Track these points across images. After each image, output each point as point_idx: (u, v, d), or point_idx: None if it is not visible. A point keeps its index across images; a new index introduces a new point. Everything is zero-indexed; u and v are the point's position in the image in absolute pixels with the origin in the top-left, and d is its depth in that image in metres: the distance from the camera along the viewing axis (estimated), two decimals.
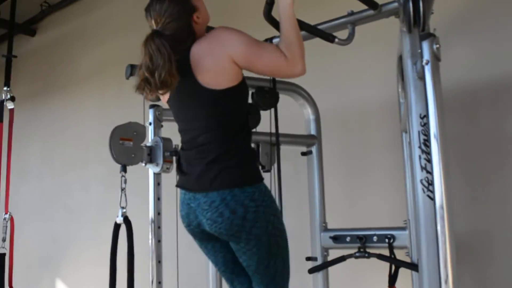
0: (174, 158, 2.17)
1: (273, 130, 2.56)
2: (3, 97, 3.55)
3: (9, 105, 3.57)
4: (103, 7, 4.58)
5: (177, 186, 1.80)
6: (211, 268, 2.25)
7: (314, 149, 2.55)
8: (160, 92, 1.67)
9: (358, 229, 2.31)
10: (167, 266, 2.25)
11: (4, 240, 3.34)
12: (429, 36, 1.47)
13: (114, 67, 4.25)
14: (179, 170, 1.81)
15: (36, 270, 4.85)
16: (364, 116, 2.76)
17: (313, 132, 2.57)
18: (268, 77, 2.49)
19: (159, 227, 2.19)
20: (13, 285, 5.18)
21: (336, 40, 1.70)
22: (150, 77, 1.60)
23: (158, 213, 2.19)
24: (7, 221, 3.43)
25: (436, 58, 1.48)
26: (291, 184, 2.76)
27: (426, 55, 1.46)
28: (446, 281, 1.49)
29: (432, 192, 1.63)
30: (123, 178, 2.11)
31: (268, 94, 2.50)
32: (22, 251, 5.10)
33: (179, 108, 1.80)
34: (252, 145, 2.45)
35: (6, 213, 3.50)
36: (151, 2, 1.72)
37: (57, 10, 5.00)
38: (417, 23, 1.47)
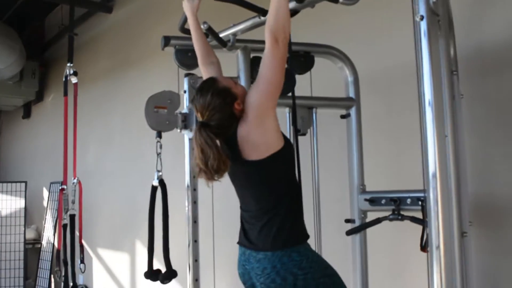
0: None
1: (310, 94, 2.58)
2: (67, 73, 3.82)
3: (73, 80, 3.84)
4: None
5: (237, 243, 1.96)
6: None
7: (352, 111, 2.53)
8: (217, 178, 1.80)
9: (393, 191, 2.29)
10: (202, 228, 2.38)
11: (73, 202, 3.67)
12: None
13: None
14: (242, 227, 1.95)
15: (119, 231, 5.24)
16: (404, 78, 2.68)
17: (351, 94, 2.55)
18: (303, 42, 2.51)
19: (194, 189, 2.31)
20: (100, 244, 5.67)
21: (341, 0, 1.68)
22: (204, 168, 1.76)
23: (193, 176, 2.31)
24: (75, 185, 3.75)
25: (433, 12, 1.42)
26: (332, 147, 2.77)
27: (421, 11, 1.41)
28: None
29: None
30: (158, 143, 2.25)
31: (303, 58, 2.52)
32: (107, 214, 5.56)
33: (235, 181, 1.95)
34: (286, 109, 2.50)
35: (74, 178, 3.82)
36: (196, 95, 1.85)
37: None
38: None
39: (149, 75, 5.01)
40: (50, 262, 6.28)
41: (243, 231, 1.93)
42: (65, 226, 3.67)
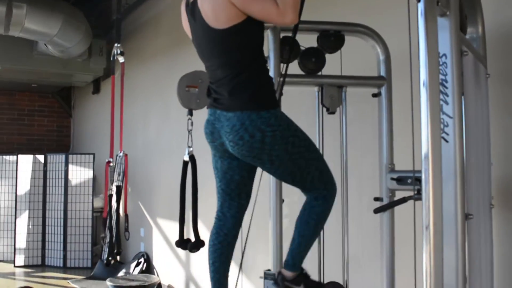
0: None
1: (340, 73, 2.60)
2: (114, 52, 4.01)
3: (120, 59, 4.03)
4: None
5: (207, 107, 2.04)
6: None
7: (383, 90, 2.53)
8: None
9: (419, 171, 2.29)
10: None
11: (119, 174, 3.90)
12: None
13: None
14: (208, 96, 2.03)
15: (176, 201, 5.48)
16: None
17: (382, 73, 2.54)
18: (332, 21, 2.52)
19: None
20: (159, 213, 5.95)
21: None
22: None
23: None
24: (121, 158, 3.97)
25: None
26: (363, 126, 2.78)
27: None
28: None
29: (448, 134, 1.62)
30: (189, 121, 2.37)
31: (333, 37, 2.53)
32: (164, 185, 5.82)
33: (199, 48, 2.03)
34: (315, 88, 2.54)
35: (120, 152, 4.04)
36: None
37: None
38: None
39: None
40: (116, 230, 6.70)
41: (212, 99, 1.98)
42: (110, 196, 3.92)
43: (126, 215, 4.01)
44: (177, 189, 5.55)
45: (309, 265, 2.51)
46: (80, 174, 7.13)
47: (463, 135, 1.62)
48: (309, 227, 2.02)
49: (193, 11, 1.92)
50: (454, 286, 1.49)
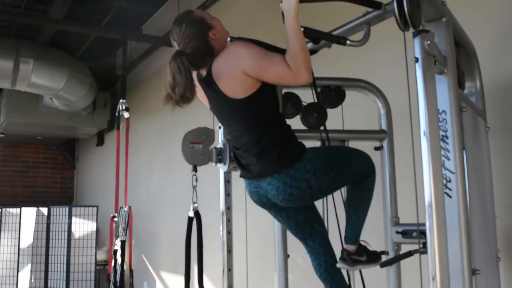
0: None
1: (342, 127, 2.64)
2: (119, 108, 4.08)
3: (125, 115, 4.09)
4: (229, 13, 4.97)
5: (240, 176, 2.06)
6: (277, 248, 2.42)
7: (385, 143, 2.56)
8: (181, 105, 1.89)
9: (424, 224, 2.29)
10: (236, 256, 2.49)
11: (124, 229, 3.90)
12: (419, 33, 1.47)
13: None
14: (238, 164, 2.05)
15: (181, 254, 5.44)
16: None
17: (384, 127, 2.58)
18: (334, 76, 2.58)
19: (229, 220, 2.42)
20: (162, 267, 5.89)
21: (348, 42, 1.75)
22: (172, 93, 1.86)
23: (228, 207, 2.43)
24: (126, 213, 3.98)
25: (428, 54, 1.47)
26: None
27: (416, 53, 1.46)
28: None
29: (451, 190, 1.63)
30: (194, 177, 2.39)
31: (334, 93, 2.58)
32: (168, 238, 5.79)
33: (219, 115, 2.06)
34: (318, 143, 2.57)
35: (125, 206, 4.05)
36: (173, 27, 1.95)
37: None
38: (407, 22, 1.47)
39: (188, 112, 5.24)
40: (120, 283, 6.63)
41: (241, 167, 2.00)
42: (115, 251, 3.90)
43: (131, 270, 3.98)
44: (181, 241, 5.52)
45: None
46: (83, 226, 7.09)
47: (466, 190, 1.63)
48: (363, 200, 2.13)
49: (209, 84, 1.92)
50: None
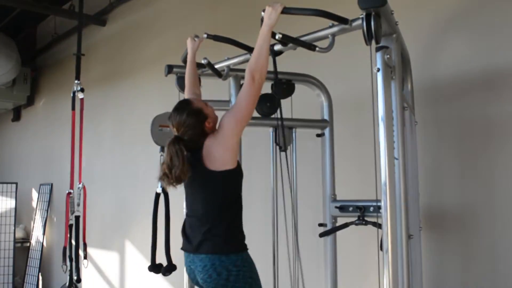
0: None
1: (290, 116, 2.99)
2: (75, 89, 4.17)
3: (80, 95, 4.20)
4: (162, 1, 5.12)
5: (181, 249, 2.30)
6: None
7: (326, 131, 2.95)
8: (175, 185, 2.18)
9: (359, 200, 2.71)
10: None
11: (78, 205, 4.04)
12: (381, 48, 1.84)
13: (171, 55, 4.79)
14: (184, 234, 2.30)
15: (109, 231, 5.58)
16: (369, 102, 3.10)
17: (325, 117, 2.97)
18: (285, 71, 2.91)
19: None
20: (91, 243, 5.98)
21: (317, 49, 2.10)
22: (168, 173, 2.14)
23: None
24: (80, 190, 4.11)
25: (387, 66, 1.85)
26: (309, 162, 3.18)
27: (378, 64, 1.84)
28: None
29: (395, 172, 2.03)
30: (161, 156, 2.63)
31: (286, 85, 2.93)
32: (97, 215, 5.88)
33: (190, 187, 2.30)
34: (270, 129, 2.91)
35: (80, 183, 4.18)
36: (173, 113, 2.25)
37: (124, 2, 5.60)
38: (372, 37, 1.83)
39: (139, 86, 5.38)
40: (39, 261, 6.59)
41: (186, 239, 2.26)
42: (70, 226, 4.03)
43: (84, 244, 4.10)
44: (111, 218, 5.65)
45: (267, 284, 2.84)
46: (1, 204, 6.94)
47: (406, 172, 2.05)
48: None
49: (197, 158, 2.19)
50: None
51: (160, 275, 2.63)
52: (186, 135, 2.19)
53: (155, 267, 2.56)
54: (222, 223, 2.18)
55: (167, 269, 2.51)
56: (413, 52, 2.60)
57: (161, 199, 2.70)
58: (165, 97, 4.83)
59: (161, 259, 2.69)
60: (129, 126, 5.48)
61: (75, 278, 3.93)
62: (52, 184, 6.84)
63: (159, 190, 2.63)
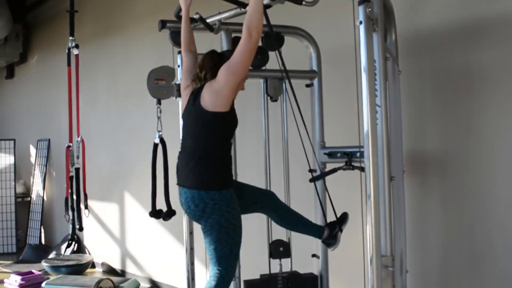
0: None
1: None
2: (69, 45, 4.24)
3: (75, 52, 4.27)
4: None
5: (176, 184, 2.51)
6: None
7: (315, 82, 3.08)
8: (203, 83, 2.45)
9: (346, 147, 2.86)
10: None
11: (78, 157, 4.18)
12: (363, 2, 1.95)
13: (164, 10, 4.83)
14: (176, 168, 2.52)
15: (108, 184, 5.76)
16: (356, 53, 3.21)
17: (314, 67, 3.09)
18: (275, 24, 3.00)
19: (191, 233, 2.91)
20: (91, 196, 6.18)
21: (304, 2, 2.20)
22: (199, 72, 2.47)
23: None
24: (79, 143, 4.25)
25: (369, 18, 1.96)
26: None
27: (360, 17, 1.95)
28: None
29: (377, 119, 2.17)
30: (158, 109, 2.76)
31: (276, 38, 3.02)
32: (95, 167, 6.05)
33: (185, 123, 2.51)
34: (261, 80, 3.03)
35: (78, 137, 4.31)
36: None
37: None
38: None
39: (132, 41, 5.43)
40: (40, 214, 6.80)
41: (177, 172, 2.49)
42: (71, 177, 4.19)
43: (85, 194, 4.27)
44: (109, 171, 5.81)
45: (259, 227, 3.03)
46: (0, 160, 7.09)
47: (388, 119, 2.20)
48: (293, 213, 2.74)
49: (194, 93, 2.45)
50: (384, 238, 2.06)
51: (159, 221, 2.82)
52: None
53: (155, 213, 2.73)
54: (208, 160, 2.40)
55: (167, 214, 2.69)
56: (398, 3, 2.70)
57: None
58: (158, 52, 4.91)
59: (160, 205, 2.87)
60: (123, 81, 5.57)
61: (77, 226, 4.12)
62: (49, 140, 6.97)
63: (157, 140, 2.77)
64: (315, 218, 3.05)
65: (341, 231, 2.74)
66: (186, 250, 2.88)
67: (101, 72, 5.93)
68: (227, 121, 2.42)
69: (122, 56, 5.63)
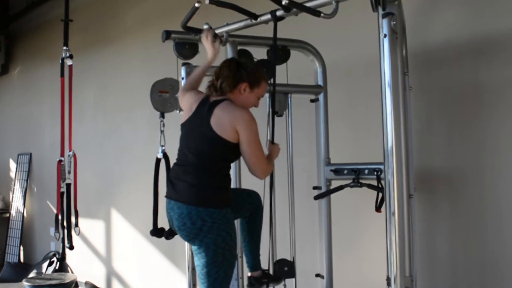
0: None
1: (286, 82, 3.03)
2: (63, 55, 4.11)
3: (68, 62, 4.13)
4: None
5: (165, 196, 2.38)
6: None
7: (320, 97, 3.01)
8: (218, 94, 2.35)
9: (353, 163, 2.79)
10: None
11: (69, 172, 4.02)
12: (388, 15, 1.89)
13: (156, 20, 4.75)
14: (169, 180, 2.38)
15: (94, 199, 5.58)
16: (364, 69, 3.17)
17: (320, 82, 3.02)
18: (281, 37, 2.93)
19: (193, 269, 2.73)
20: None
21: (322, 15, 2.14)
22: (215, 80, 2.36)
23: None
24: (70, 157, 4.09)
25: (393, 32, 1.90)
26: (304, 127, 3.24)
27: (385, 30, 1.89)
28: None
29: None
30: (161, 122, 2.66)
31: (281, 52, 2.96)
32: (81, 184, 5.86)
33: (187, 136, 2.37)
34: (266, 94, 2.95)
35: (70, 151, 4.16)
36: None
37: None
38: (379, 4, 1.88)
39: (122, 53, 5.31)
40: (20, 231, 6.56)
41: (171, 185, 2.33)
42: (62, 193, 4.02)
43: (76, 211, 4.10)
44: (96, 187, 5.64)
45: (263, 246, 2.93)
46: None
47: (408, 135, 2.13)
48: (258, 229, 2.62)
49: (208, 109, 2.29)
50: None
51: (148, 238, 2.69)
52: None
53: (157, 232, 2.61)
54: (210, 177, 2.27)
55: (169, 233, 2.55)
56: (406, 18, 2.66)
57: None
58: (148, 64, 4.81)
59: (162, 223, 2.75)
60: (112, 94, 5.43)
61: (67, 245, 3.95)
62: (31, 154, 6.76)
63: (159, 155, 2.66)
64: (320, 236, 2.97)
65: (267, 286, 2.66)
66: (188, 268, 2.75)
67: (88, 85, 5.78)
68: (235, 149, 2.30)
69: (111, 68, 5.51)
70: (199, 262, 2.26)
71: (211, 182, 2.27)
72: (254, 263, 2.63)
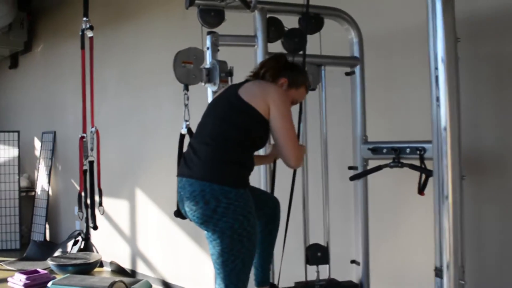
0: (229, 78, 2.46)
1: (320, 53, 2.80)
2: (83, 27, 3.94)
3: (89, 34, 3.96)
4: None
5: (177, 175, 2.14)
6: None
7: (357, 69, 2.77)
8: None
9: (394, 142, 2.56)
10: None
11: (92, 149, 3.88)
12: None
13: None
14: (183, 158, 2.13)
15: (118, 178, 5.46)
16: (404, 39, 2.92)
17: (356, 54, 2.78)
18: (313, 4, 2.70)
19: None
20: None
21: None
22: (259, 69, 2.28)
23: None
24: (93, 134, 3.95)
25: None
26: (339, 102, 3.02)
27: None
28: None
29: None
30: (185, 95, 2.46)
31: (314, 20, 2.73)
32: (104, 163, 5.75)
33: (214, 110, 2.17)
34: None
35: (92, 127, 4.01)
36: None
37: None
38: None
39: (144, 28, 5.13)
40: (45, 209, 6.51)
41: (185, 162, 2.09)
42: (85, 171, 3.89)
43: (100, 190, 3.97)
44: (120, 166, 5.51)
45: (294, 230, 2.73)
46: (4, 152, 6.80)
47: (459, 113, 1.90)
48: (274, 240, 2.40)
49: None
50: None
51: (172, 219, 2.51)
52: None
53: (180, 213, 2.43)
54: (227, 152, 2.01)
55: None
56: None
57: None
58: (171, 40, 4.62)
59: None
60: (136, 71, 5.27)
61: (91, 225, 3.83)
62: (55, 132, 6.68)
63: (183, 131, 2.47)
64: (355, 219, 2.76)
65: None
66: None
67: (111, 62, 5.62)
68: (263, 124, 2.06)
69: (133, 44, 5.33)
70: (214, 250, 2.01)
71: (230, 158, 2.01)
72: (263, 279, 2.39)
